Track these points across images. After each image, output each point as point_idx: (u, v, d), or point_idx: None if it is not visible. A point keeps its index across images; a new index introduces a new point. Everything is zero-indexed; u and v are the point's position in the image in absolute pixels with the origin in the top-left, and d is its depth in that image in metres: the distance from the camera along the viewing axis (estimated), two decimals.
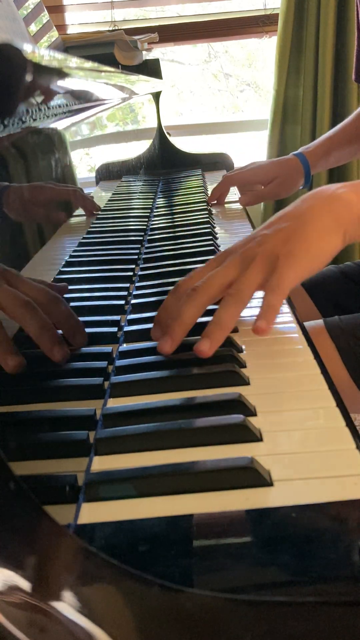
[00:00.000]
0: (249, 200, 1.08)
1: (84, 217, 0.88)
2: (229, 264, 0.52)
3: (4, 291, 0.47)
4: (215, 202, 1.11)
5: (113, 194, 1.03)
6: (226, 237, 0.88)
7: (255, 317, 0.49)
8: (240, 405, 0.41)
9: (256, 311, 0.52)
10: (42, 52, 0.52)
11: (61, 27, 1.92)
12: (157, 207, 1.10)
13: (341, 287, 0.96)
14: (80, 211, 0.87)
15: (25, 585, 0.25)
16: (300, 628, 0.24)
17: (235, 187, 1.14)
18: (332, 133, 1.08)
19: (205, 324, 0.49)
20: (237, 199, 1.09)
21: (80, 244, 0.80)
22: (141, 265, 0.74)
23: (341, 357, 0.72)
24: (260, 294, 0.52)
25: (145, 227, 0.94)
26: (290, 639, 0.24)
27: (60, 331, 0.50)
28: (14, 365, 0.46)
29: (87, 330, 0.55)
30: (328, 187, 0.56)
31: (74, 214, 0.84)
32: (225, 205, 1.11)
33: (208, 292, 0.51)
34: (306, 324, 0.76)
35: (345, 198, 0.54)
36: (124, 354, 0.50)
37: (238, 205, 1.11)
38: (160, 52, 2.19)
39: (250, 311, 0.60)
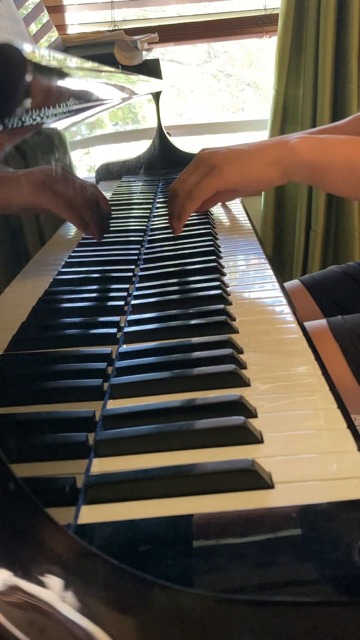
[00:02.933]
0: (226, 197, 1.03)
1: None
2: (188, 170, 0.72)
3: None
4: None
5: (113, 194, 1.03)
6: (226, 238, 0.88)
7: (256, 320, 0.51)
8: (240, 407, 0.40)
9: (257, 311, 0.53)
10: (42, 52, 0.52)
11: (61, 27, 1.92)
12: (157, 208, 1.10)
13: (344, 287, 0.96)
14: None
15: (25, 585, 0.25)
16: (300, 628, 0.24)
17: None
18: (322, 128, 1.05)
19: None
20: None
21: (80, 245, 0.79)
22: (141, 266, 0.74)
23: (345, 357, 0.72)
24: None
25: (145, 227, 0.94)
26: (290, 639, 0.24)
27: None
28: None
29: (87, 331, 0.55)
30: (287, 136, 0.70)
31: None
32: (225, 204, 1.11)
33: (181, 192, 0.70)
34: (309, 323, 0.76)
35: (292, 145, 0.66)
36: (124, 355, 0.50)
37: (238, 205, 1.10)
38: (160, 52, 2.19)
39: (252, 311, 0.60)
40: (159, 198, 1.18)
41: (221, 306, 0.58)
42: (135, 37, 1.45)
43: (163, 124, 1.59)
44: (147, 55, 1.57)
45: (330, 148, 0.65)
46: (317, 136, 0.67)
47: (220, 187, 0.66)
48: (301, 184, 1.84)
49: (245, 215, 1.04)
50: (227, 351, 0.48)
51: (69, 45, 1.30)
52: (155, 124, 1.55)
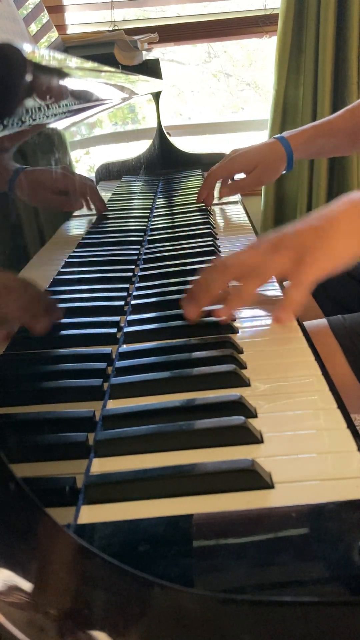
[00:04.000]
0: (228, 192, 1.06)
1: (84, 218, 0.88)
2: (260, 250, 0.57)
3: None
4: (203, 202, 1.07)
5: (113, 194, 1.03)
6: (226, 238, 0.88)
7: (255, 319, 0.53)
8: (240, 407, 0.40)
9: (257, 311, 0.53)
10: (42, 52, 0.52)
11: (61, 27, 1.92)
12: (157, 208, 1.10)
13: (344, 287, 0.96)
14: (78, 211, 0.87)
15: (25, 585, 0.25)
16: (300, 628, 0.24)
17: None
18: (318, 122, 1.06)
19: None
20: (219, 193, 1.07)
21: (80, 245, 0.79)
22: (141, 266, 0.74)
23: (345, 356, 0.72)
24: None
25: (145, 227, 0.94)
26: (290, 639, 0.24)
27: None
28: (43, 328, 0.53)
29: (87, 331, 0.55)
30: (351, 194, 0.60)
31: (75, 214, 0.84)
32: (225, 205, 1.11)
33: (236, 272, 0.57)
34: (309, 322, 0.76)
35: None
36: (124, 355, 0.50)
37: (238, 205, 1.10)
38: (160, 52, 2.19)
39: (252, 311, 0.60)
40: (159, 198, 1.18)
41: (221, 306, 0.58)
42: (135, 37, 1.45)
43: (163, 124, 1.59)
44: (147, 55, 1.57)
45: None
46: None
47: (317, 280, 0.56)
48: (301, 183, 1.84)
49: (245, 215, 1.04)
50: (227, 351, 0.48)
51: (69, 45, 1.30)
52: (155, 124, 1.55)
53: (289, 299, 0.55)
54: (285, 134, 1.04)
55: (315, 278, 0.55)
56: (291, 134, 1.04)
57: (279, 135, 1.05)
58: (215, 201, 1.09)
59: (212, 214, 1.03)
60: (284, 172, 1.06)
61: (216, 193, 1.08)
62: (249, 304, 0.58)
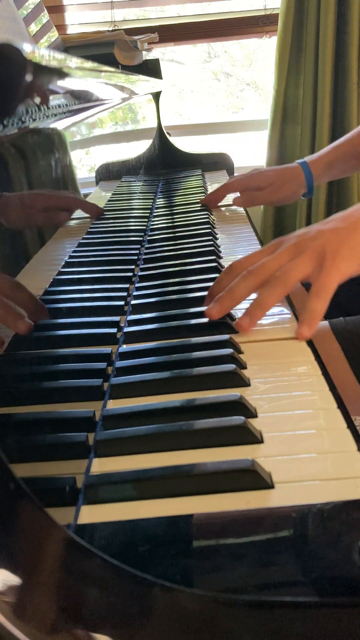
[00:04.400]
0: (242, 202, 1.07)
1: (84, 218, 0.88)
2: (282, 252, 0.56)
3: None
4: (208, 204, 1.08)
5: (113, 194, 1.03)
6: (226, 238, 0.88)
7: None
8: (240, 407, 0.40)
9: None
10: (42, 52, 0.52)
11: (61, 27, 1.92)
12: (157, 208, 1.10)
13: (345, 289, 0.95)
14: (79, 212, 0.87)
15: (24, 585, 0.25)
16: (299, 628, 0.24)
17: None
18: (338, 143, 1.07)
19: None
20: (233, 201, 1.08)
21: (80, 245, 0.79)
22: (141, 266, 0.74)
23: (347, 359, 0.72)
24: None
25: (145, 227, 0.94)
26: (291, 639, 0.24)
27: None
28: (25, 328, 0.52)
29: (87, 331, 0.55)
30: None
31: (74, 215, 0.84)
32: (226, 206, 1.11)
33: (260, 276, 0.55)
34: None
35: None
36: (124, 355, 0.50)
37: (239, 207, 1.10)
38: (160, 52, 2.19)
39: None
40: (159, 198, 1.18)
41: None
42: (135, 37, 1.45)
43: (163, 124, 1.59)
44: (147, 55, 1.57)
45: None
46: None
47: (340, 282, 0.55)
48: None
49: (245, 215, 1.04)
50: (227, 351, 0.48)
51: (69, 45, 1.31)
52: (155, 124, 1.55)
53: (311, 312, 0.52)
54: (307, 158, 1.07)
55: (338, 282, 0.54)
56: (313, 158, 1.06)
57: (301, 160, 1.07)
58: (219, 203, 1.09)
59: (212, 214, 1.03)
60: (303, 197, 1.08)
61: (225, 201, 1.09)
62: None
